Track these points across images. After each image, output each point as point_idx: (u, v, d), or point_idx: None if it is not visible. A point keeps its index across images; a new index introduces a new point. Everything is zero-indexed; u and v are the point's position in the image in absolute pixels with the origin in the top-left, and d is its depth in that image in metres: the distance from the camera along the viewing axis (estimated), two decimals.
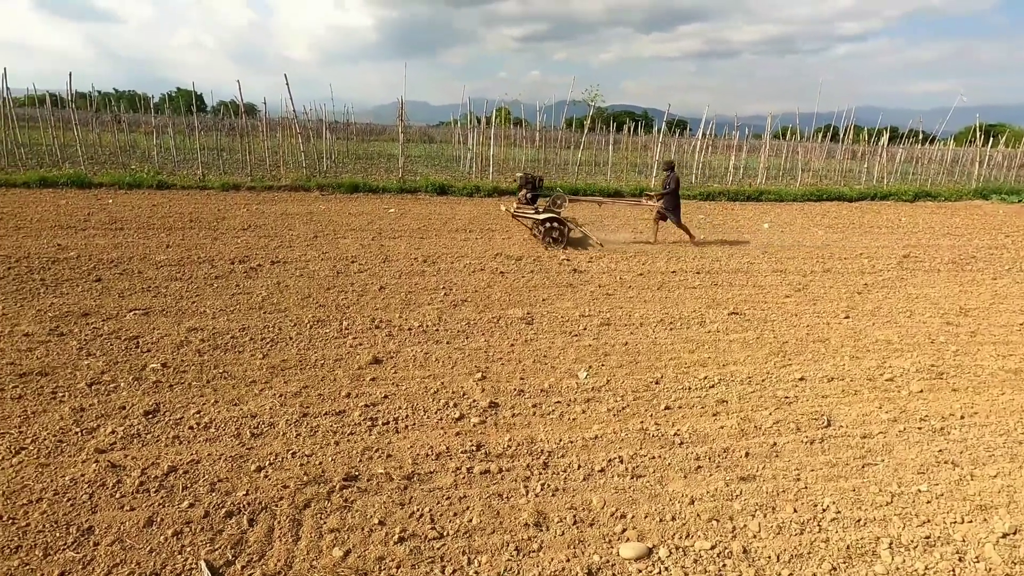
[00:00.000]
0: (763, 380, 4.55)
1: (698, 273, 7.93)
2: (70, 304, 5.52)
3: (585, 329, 5.53)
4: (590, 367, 4.64)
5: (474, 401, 3.98)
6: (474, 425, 3.68)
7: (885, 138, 22.54)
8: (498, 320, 5.66)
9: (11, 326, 4.91)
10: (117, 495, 2.86)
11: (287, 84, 14.76)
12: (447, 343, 5.04)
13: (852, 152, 27.31)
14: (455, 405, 3.92)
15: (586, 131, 20.94)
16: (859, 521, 2.91)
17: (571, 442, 3.53)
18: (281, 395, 3.94)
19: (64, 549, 2.51)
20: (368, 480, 3.06)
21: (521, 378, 4.40)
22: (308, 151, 16.14)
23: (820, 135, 27.74)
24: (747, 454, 3.48)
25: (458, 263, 7.87)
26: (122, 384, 4.00)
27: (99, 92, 26.20)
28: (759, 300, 6.77)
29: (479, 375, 4.38)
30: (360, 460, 3.24)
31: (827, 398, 4.28)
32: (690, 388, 4.35)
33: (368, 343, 4.94)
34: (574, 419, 3.83)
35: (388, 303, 6.02)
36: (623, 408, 4.00)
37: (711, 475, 3.26)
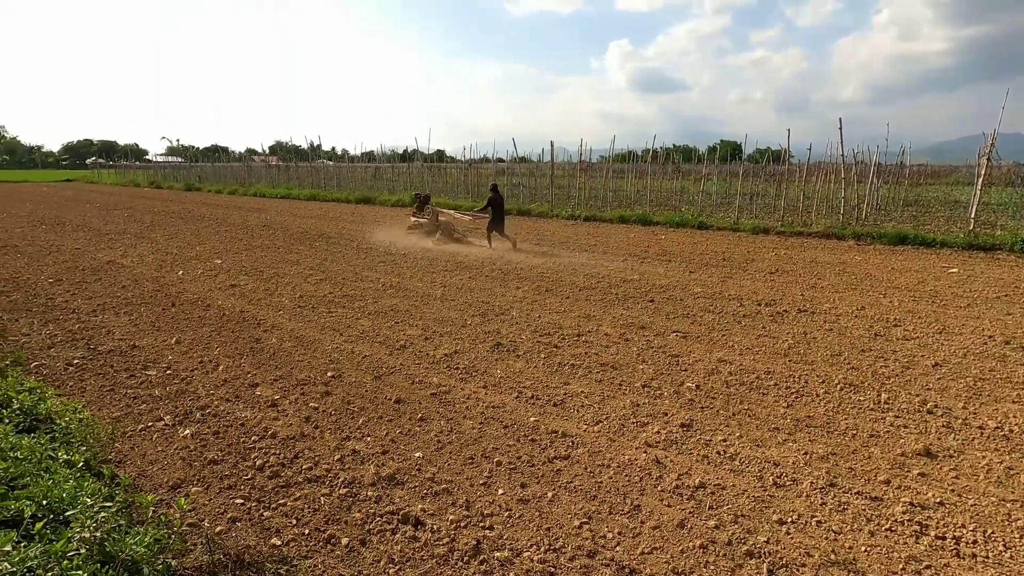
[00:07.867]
0: None
1: None
2: (632, 317, 6.94)
3: None
4: None
5: None
6: None
7: None
8: None
9: (596, 326, 6.57)
10: (658, 488, 3.37)
11: (840, 128, 14.06)
12: None
13: None
14: None
15: None
16: None
17: None
18: (806, 453, 3.74)
19: (620, 515, 3.13)
20: None
21: None
22: (848, 196, 14.93)
23: None
24: None
25: None
26: (665, 393, 4.71)
27: (663, 147, 32.19)
28: None
29: None
30: (903, 571, 2.69)
31: None
32: None
33: (916, 428, 4.09)
34: None
35: (947, 385, 4.83)
36: None
37: None
